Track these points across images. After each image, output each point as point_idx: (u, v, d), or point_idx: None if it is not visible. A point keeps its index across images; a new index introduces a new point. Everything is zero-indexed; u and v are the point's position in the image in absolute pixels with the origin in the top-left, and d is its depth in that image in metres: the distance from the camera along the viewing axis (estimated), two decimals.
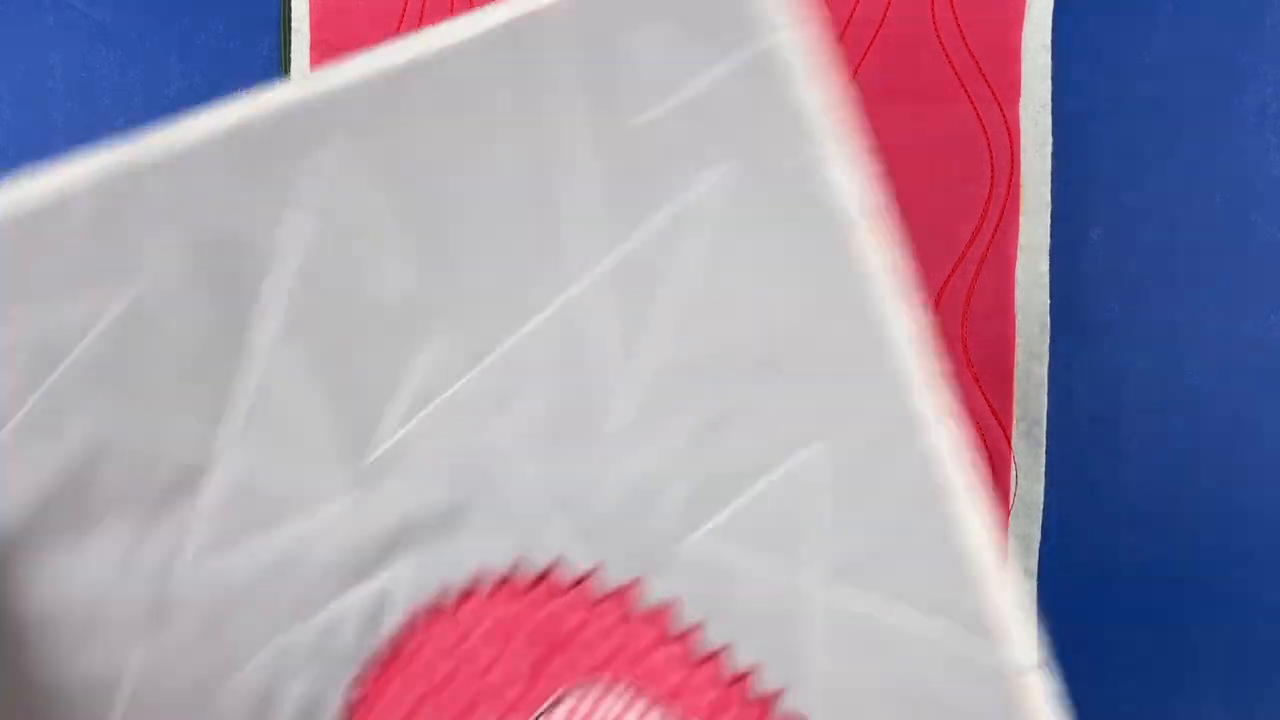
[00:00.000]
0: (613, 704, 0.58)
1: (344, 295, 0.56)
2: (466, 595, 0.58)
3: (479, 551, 0.58)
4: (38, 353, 0.54)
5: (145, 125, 0.85)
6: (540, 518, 0.58)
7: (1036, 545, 0.85)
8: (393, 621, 0.58)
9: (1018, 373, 0.85)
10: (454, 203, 0.56)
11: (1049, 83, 0.85)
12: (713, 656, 0.58)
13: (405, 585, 0.59)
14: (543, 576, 0.58)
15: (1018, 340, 0.85)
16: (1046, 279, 0.85)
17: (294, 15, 0.84)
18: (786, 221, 0.56)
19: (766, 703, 0.57)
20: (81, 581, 0.55)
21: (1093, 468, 0.87)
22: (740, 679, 0.57)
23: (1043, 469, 0.86)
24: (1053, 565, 0.85)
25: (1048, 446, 0.86)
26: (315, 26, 0.83)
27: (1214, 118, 0.86)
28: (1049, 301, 0.85)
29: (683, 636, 0.58)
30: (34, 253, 0.54)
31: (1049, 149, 0.85)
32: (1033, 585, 0.85)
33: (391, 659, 0.59)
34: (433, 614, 0.59)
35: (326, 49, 0.83)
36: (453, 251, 0.57)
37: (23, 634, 0.55)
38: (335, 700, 0.58)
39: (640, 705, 0.58)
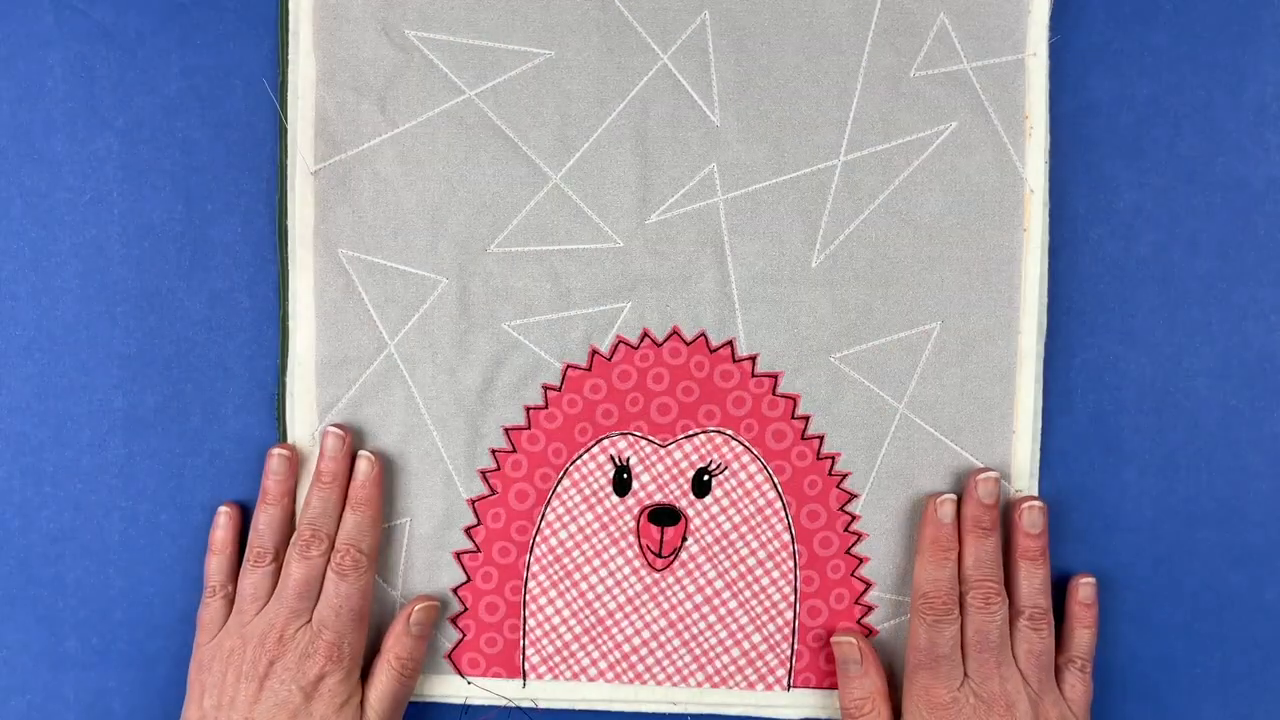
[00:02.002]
0: (732, 448, 0.87)
1: (676, 108, 0.86)
2: (657, 341, 0.87)
3: (682, 314, 0.87)
4: None
5: (145, 125, 0.86)
6: (733, 305, 0.86)
7: None
8: (603, 341, 0.87)
9: (1018, 372, 0.85)
10: (768, 72, 0.86)
11: (1047, 81, 0.85)
12: (813, 438, 0.87)
13: (624, 317, 0.87)
14: (719, 347, 0.87)
15: (1019, 340, 0.85)
16: (1046, 279, 0.85)
17: (292, 16, 0.84)
18: (982, 173, 0.86)
19: (837, 479, 0.87)
20: None
21: (1093, 468, 0.87)
22: (825, 458, 0.87)
23: (1041, 468, 0.86)
24: (1052, 565, 0.85)
25: (1047, 446, 0.86)
26: (314, 28, 0.84)
27: (1214, 118, 0.87)
28: (1049, 301, 0.85)
29: (798, 419, 0.87)
30: None
31: (1048, 149, 0.85)
32: None
33: (587, 368, 0.87)
34: (629, 346, 0.87)
35: (325, 50, 0.84)
36: (752, 105, 0.86)
37: None
38: (536, 387, 0.87)
39: (749, 455, 0.87)
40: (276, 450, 0.86)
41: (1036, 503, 0.84)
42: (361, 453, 0.86)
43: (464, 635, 0.87)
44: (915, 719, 0.81)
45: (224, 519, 0.88)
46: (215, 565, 0.87)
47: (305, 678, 0.80)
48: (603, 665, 0.87)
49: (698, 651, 0.87)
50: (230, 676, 0.81)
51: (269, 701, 0.80)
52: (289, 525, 0.87)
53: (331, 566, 0.83)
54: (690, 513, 0.86)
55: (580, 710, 0.88)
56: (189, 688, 0.83)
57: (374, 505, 0.85)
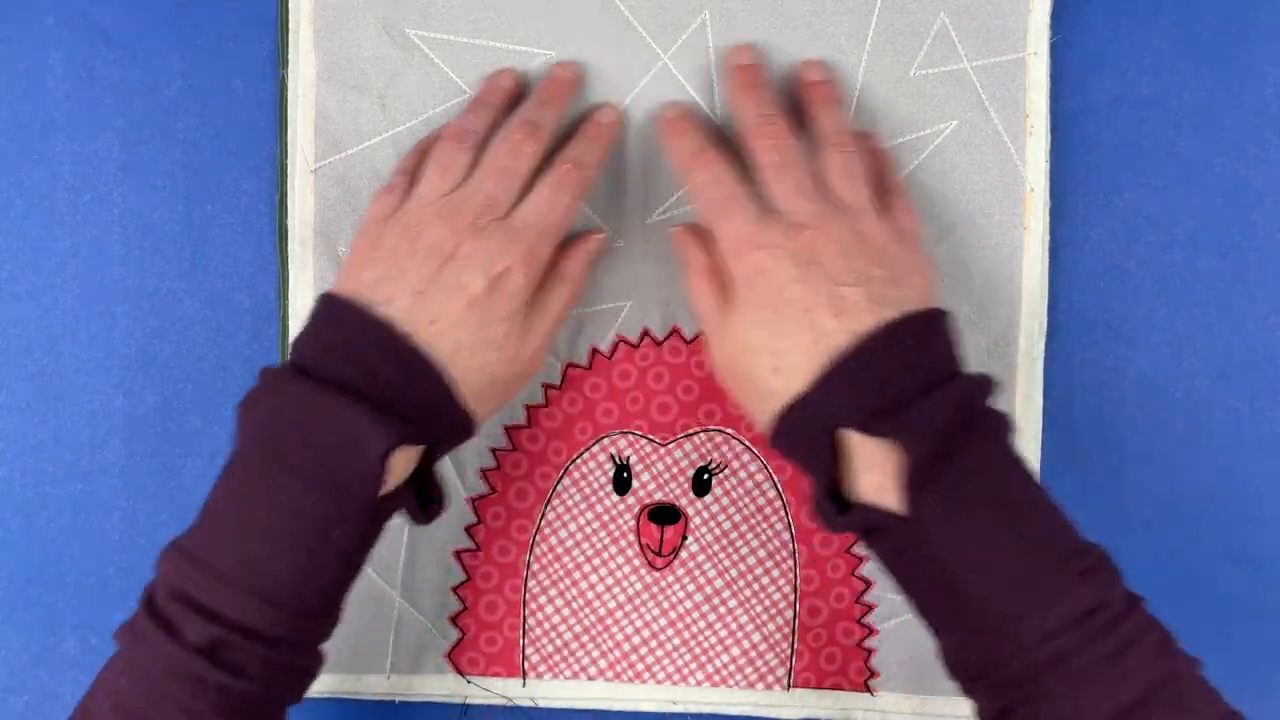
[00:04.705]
0: (732, 446, 0.87)
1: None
2: (657, 340, 0.87)
3: (682, 314, 0.86)
4: None
5: (145, 125, 0.86)
6: None
7: None
8: (604, 339, 0.87)
9: (1018, 372, 0.85)
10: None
11: (1048, 82, 0.85)
12: None
13: (624, 316, 0.87)
14: None
15: (1019, 340, 0.85)
16: (1047, 279, 0.85)
17: (292, 16, 0.84)
18: (982, 172, 0.86)
19: None
20: None
21: (1093, 468, 0.87)
22: None
23: (1041, 469, 0.86)
24: None
25: (1047, 446, 0.86)
26: (315, 27, 0.84)
27: (1214, 118, 0.87)
28: (1049, 301, 0.86)
29: None
30: None
31: (1049, 148, 0.85)
32: None
33: (587, 367, 0.87)
34: (629, 345, 0.87)
35: (325, 49, 0.84)
36: None
37: None
38: (536, 386, 0.87)
39: (749, 454, 0.87)
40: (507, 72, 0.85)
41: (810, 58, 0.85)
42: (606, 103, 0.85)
43: (463, 634, 0.87)
44: (743, 281, 0.74)
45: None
46: (422, 143, 0.85)
47: (492, 268, 0.74)
48: (602, 664, 0.87)
49: (697, 650, 0.87)
50: (405, 249, 0.75)
51: (447, 282, 0.73)
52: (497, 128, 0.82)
53: (550, 175, 0.78)
54: (690, 511, 0.86)
55: (580, 709, 0.88)
56: (349, 258, 0.79)
57: (607, 143, 0.83)
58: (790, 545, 0.87)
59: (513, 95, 0.83)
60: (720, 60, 0.84)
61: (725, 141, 0.82)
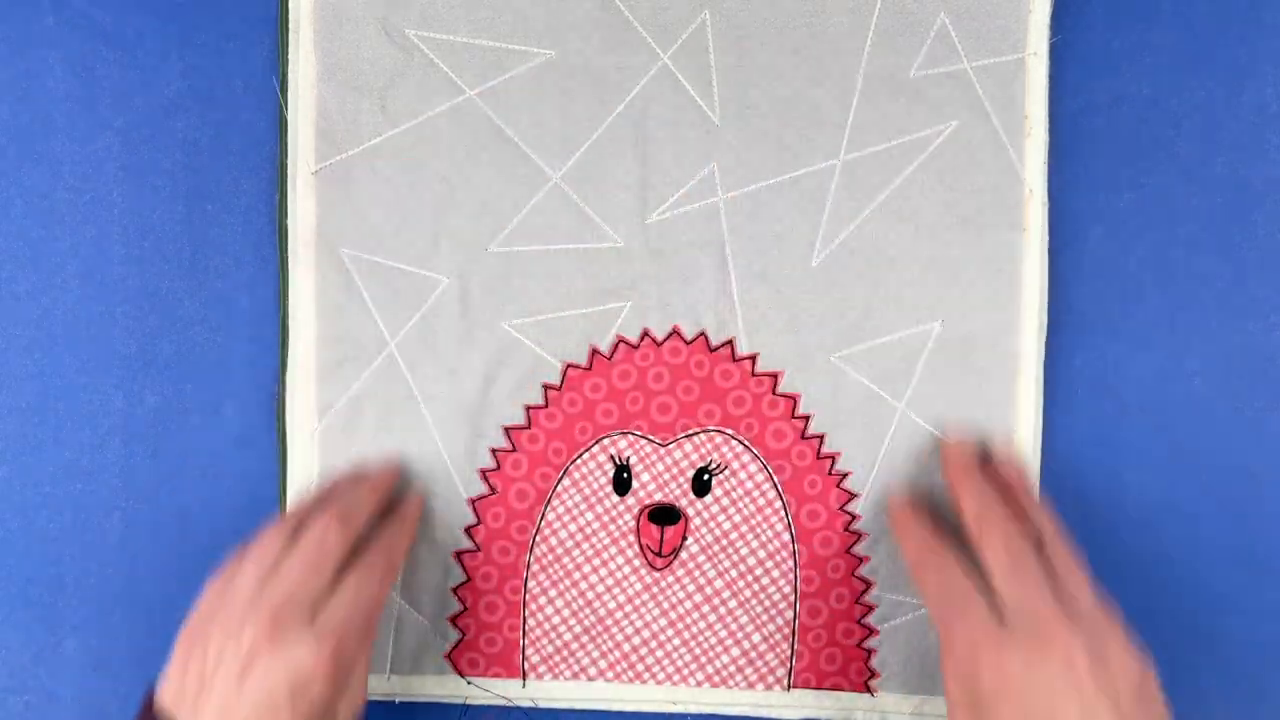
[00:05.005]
0: (732, 447, 0.87)
1: (676, 108, 0.86)
2: (657, 341, 0.87)
3: (682, 314, 0.87)
4: None
5: (145, 125, 0.86)
6: (733, 305, 0.86)
7: None
8: (603, 340, 0.87)
9: (1018, 372, 0.85)
10: (768, 71, 0.86)
11: (1047, 81, 0.85)
12: (813, 438, 0.87)
13: (624, 316, 0.87)
14: (719, 346, 0.86)
15: (1019, 340, 0.85)
16: (1046, 280, 0.85)
17: (292, 16, 0.84)
18: (982, 173, 0.86)
19: (837, 478, 0.87)
20: None
21: (1093, 468, 0.87)
22: (825, 458, 0.87)
23: (1040, 469, 0.86)
24: None
25: (1047, 446, 0.86)
26: (315, 27, 0.84)
27: (1214, 118, 0.87)
28: (1049, 301, 0.85)
29: (798, 418, 0.87)
30: None
31: (1047, 150, 0.85)
32: None
33: (587, 367, 0.87)
34: (629, 345, 0.87)
35: (325, 49, 0.84)
36: (752, 105, 0.86)
37: None
38: (536, 386, 0.87)
39: (750, 455, 0.87)
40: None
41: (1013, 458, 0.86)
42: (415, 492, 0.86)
43: (463, 635, 0.87)
44: (981, 684, 0.71)
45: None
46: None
47: (296, 674, 0.71)
48: (602, 665, 0.87)
49: (697, 651, 0.87)
50: (213, 655, 0.72)
51: (251, 694, 0.70)
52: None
53: (358, 565, 0.76)
54: (690, 512, 0.87)
55: (580, 710, 0.88)
56: (173, 655, 0.75)
57: (414, 528, 0.84)
58: (790, 545, 0.87)
59: (340, 486, 0.83)
60: (720, 60, 0.85)
61: (950, 527, 0.82)
